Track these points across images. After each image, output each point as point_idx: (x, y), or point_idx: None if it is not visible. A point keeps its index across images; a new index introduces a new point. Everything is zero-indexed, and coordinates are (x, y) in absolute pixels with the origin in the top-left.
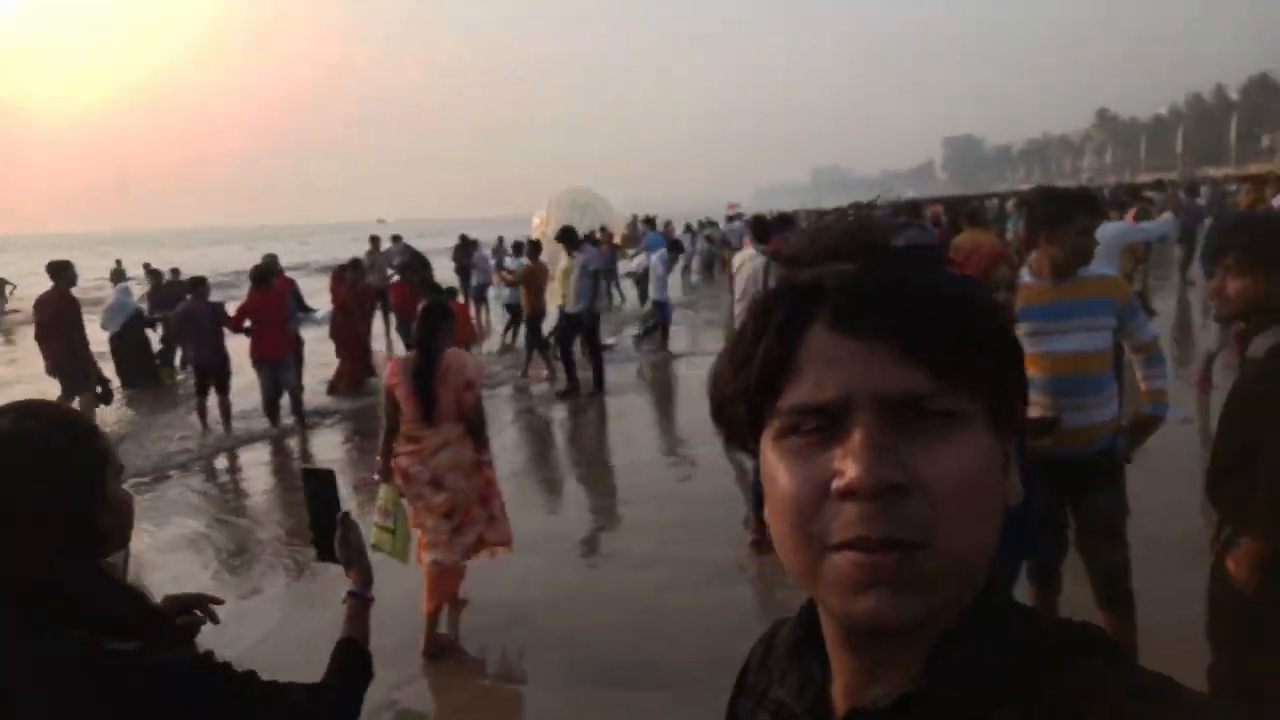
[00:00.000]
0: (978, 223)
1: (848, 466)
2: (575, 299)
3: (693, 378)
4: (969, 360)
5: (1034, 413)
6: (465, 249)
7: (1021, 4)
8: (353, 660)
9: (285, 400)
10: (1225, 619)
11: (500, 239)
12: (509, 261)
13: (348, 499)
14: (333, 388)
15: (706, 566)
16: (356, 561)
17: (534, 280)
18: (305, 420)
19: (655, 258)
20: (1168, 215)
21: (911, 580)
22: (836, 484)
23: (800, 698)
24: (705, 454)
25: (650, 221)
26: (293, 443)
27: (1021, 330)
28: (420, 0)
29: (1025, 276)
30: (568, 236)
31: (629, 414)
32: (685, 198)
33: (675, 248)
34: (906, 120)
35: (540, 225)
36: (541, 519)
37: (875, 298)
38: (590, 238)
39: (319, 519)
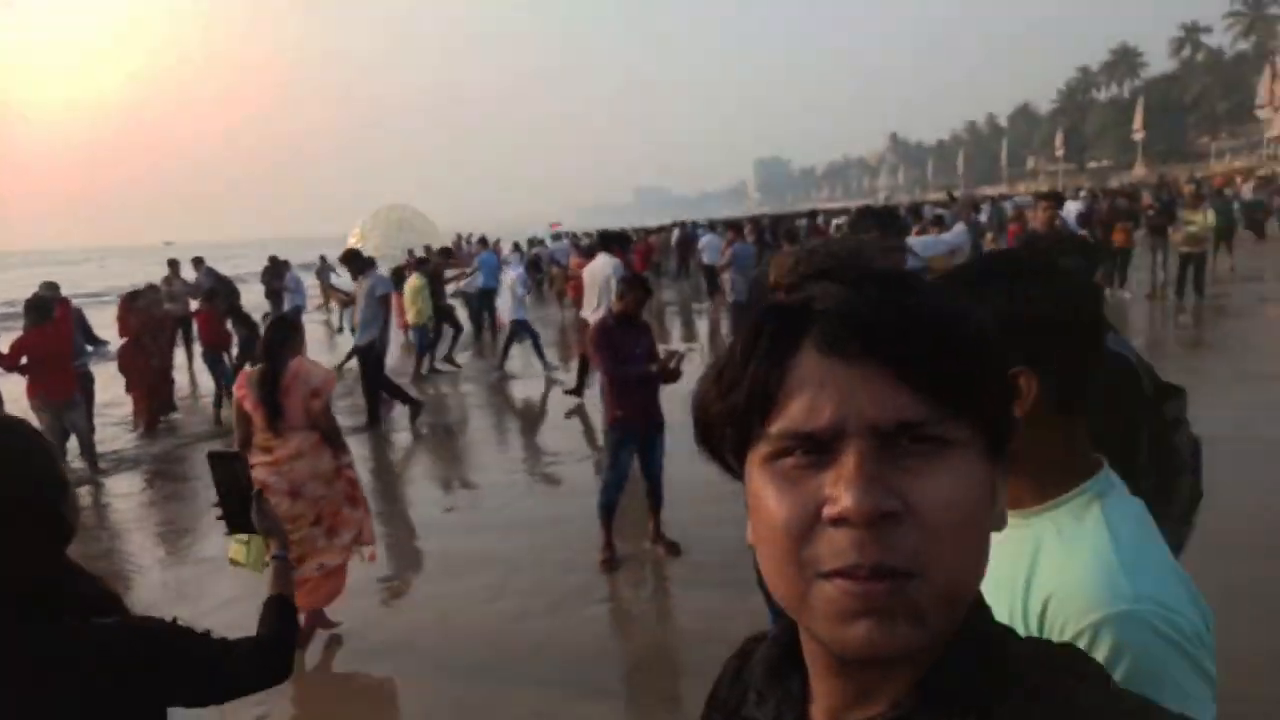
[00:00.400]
0: (794, 240)
1: (840, 493)
2: (361, 329)
3: (530, 398)
4: (962, 387)
5: None
6: (275, 271)
7: (820, 38)
8: (285, 612)
9: (73, 444)
10: None
11: (323, 258)
12: (335, 280)
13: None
14: (136, 425)
15: (557, 591)
16: (275, 529)
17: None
18: (99, 465)
19: (515, 276)
20: (960, 226)
21: (903, 609)
22: (828, 511)
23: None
24: (548, 475)
25: (484, 241)
26: (84, 491)
27: None
28: (219, 10)
29: None
30: (353, 259)
31: (474, 439)
32: (509, 217)
33: (535, 266)
34: (722, 143)
35: (356, 243)
36: (383, 557)
37: (867, 322)
38: (418, 260)
39: (228, 497)
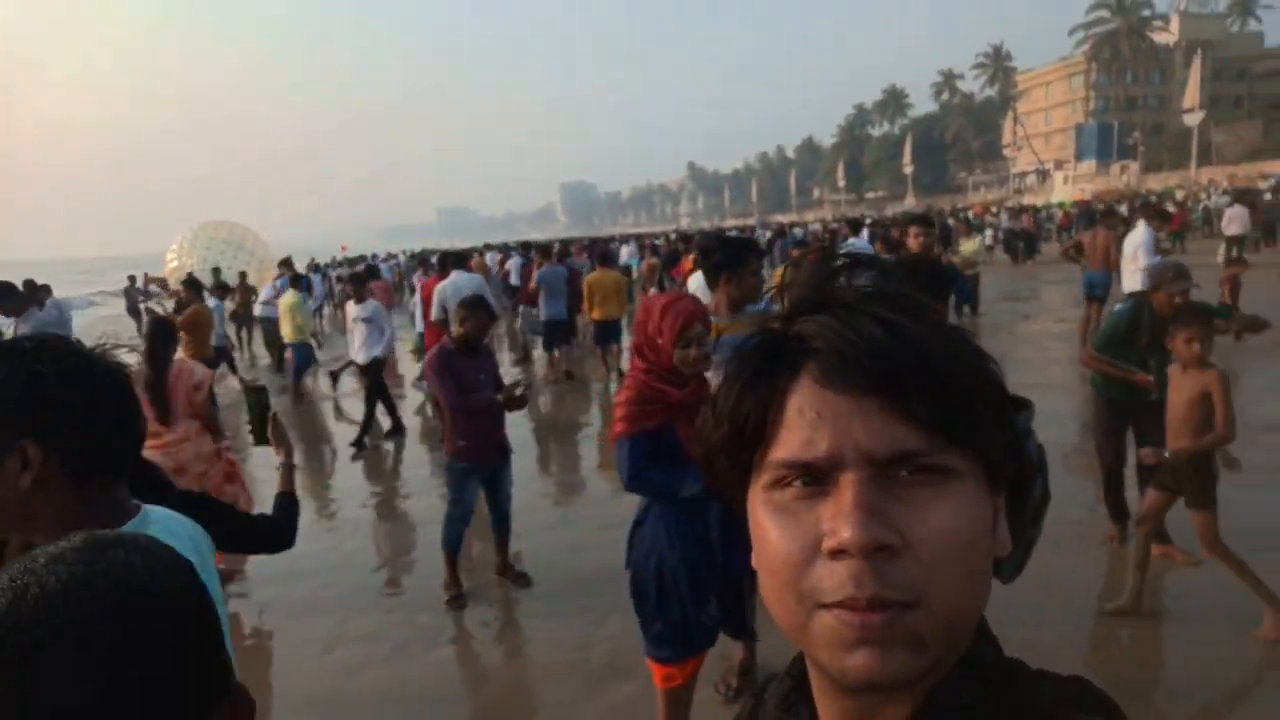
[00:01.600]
0: (608, 264)
1: (839, 526)
2: (370, 345)
3: (346, 426)
4: (959, 417)
5: None
6: (133, 290)
7: (624, 66)
8: (290, 504)
9: None
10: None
11: (131, 279)
12: (156, 305)
13: None
14: None
15: (400, 636)
16: (284, 441)
17: (198, 326)
18: None
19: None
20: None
21: (901, 638)
22: (827, 544)
23: None
24: (384, 509)
25: (287, 263)
26: None
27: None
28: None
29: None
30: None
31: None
32: (298, 238)
33: (361, 279)
34: (529, 166)
35: (173, 262)
36: None
37: (863, 355)
38: (222, 285)
39: (257, 419)
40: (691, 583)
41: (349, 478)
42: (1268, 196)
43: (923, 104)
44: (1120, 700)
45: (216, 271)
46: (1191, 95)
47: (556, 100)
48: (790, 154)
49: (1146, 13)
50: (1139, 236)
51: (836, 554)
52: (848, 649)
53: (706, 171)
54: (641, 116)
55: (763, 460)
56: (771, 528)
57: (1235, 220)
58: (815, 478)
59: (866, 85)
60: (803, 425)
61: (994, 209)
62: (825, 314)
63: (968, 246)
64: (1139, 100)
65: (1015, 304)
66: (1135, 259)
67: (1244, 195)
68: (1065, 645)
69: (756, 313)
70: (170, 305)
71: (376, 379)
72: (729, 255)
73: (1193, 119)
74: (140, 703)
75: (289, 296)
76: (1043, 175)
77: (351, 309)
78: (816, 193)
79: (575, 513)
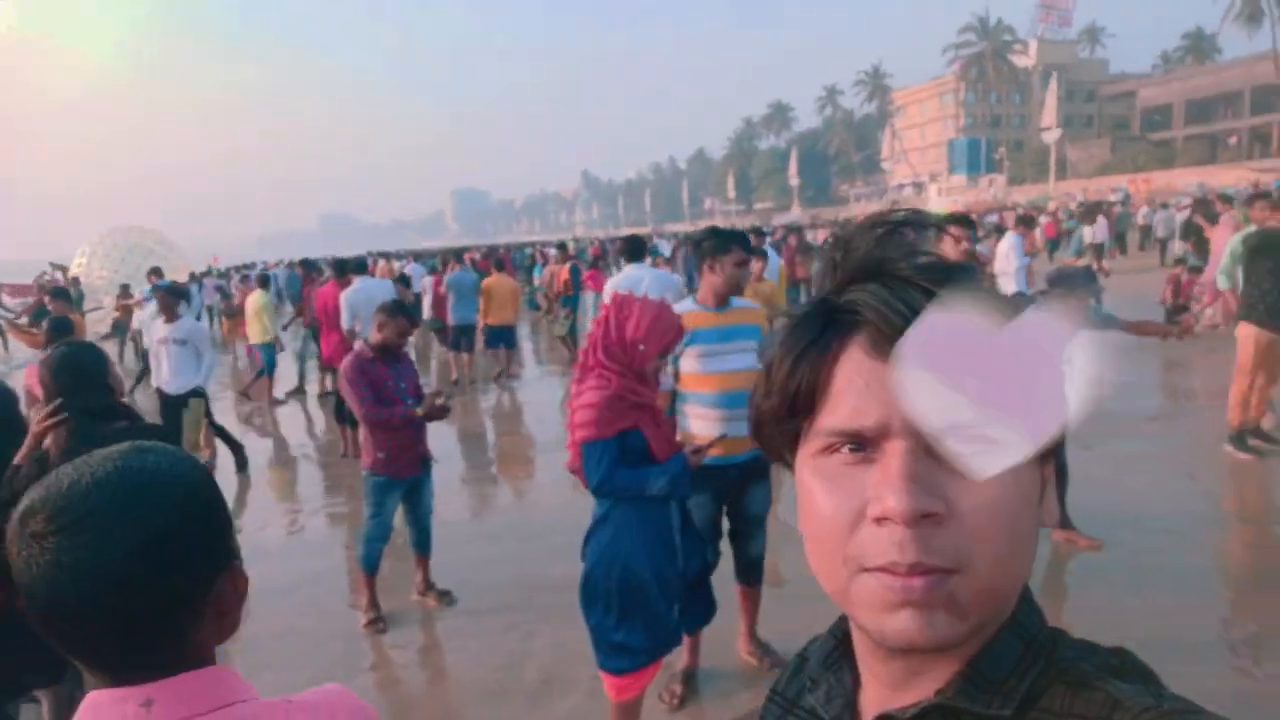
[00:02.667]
0: (504, 269)
1: (884, 494)
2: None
3: (288, 438)
4: None
5: (707, 426)
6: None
7: (517, 75)
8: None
9: None
10: None
11: None
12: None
13: None
14: None
15: (315, 665)
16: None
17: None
18: None
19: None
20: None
21: (942, 603)
22: (872, 510)
23: (829, 704)
24: (295, 527)
25: (157, 272)
26: None
27: (694, 353)
28: None
29: (691, 305)
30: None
31: None
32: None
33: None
34: (417, 172)
35: (79, 270)
36: None
37: (912, 319)
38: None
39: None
40: (661, 585)
41: (249, 499)
42: (1116, 209)
43: (807, 119)
44: None
45: (125, 288)
46: (1049, 115)
47: (448, 106)
48: (682, 165)
49: (1008, 37)
50: (1009, 242)
51: (881, 520)
52: (889, 610)
53: (601, 180)
54: (536, 125)
55: (811, 427)
56: (819, 493)
57: (1098, 230)
58: (862, 445)
59: (754, 99)
60: (851, 394)
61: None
62: (876, 283)
63: None
64: (1003, 118)
65: None
66: (1008, 260)
67: (1095, 208)
68: None
69: (742, 308)
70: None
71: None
72: (715, 243)
73: (1050, 136)
74: (169, 561)
75: (258, 297)
76: (918, 188)
77: (159, 328)
78: (708, 203)
79: (493, 525)
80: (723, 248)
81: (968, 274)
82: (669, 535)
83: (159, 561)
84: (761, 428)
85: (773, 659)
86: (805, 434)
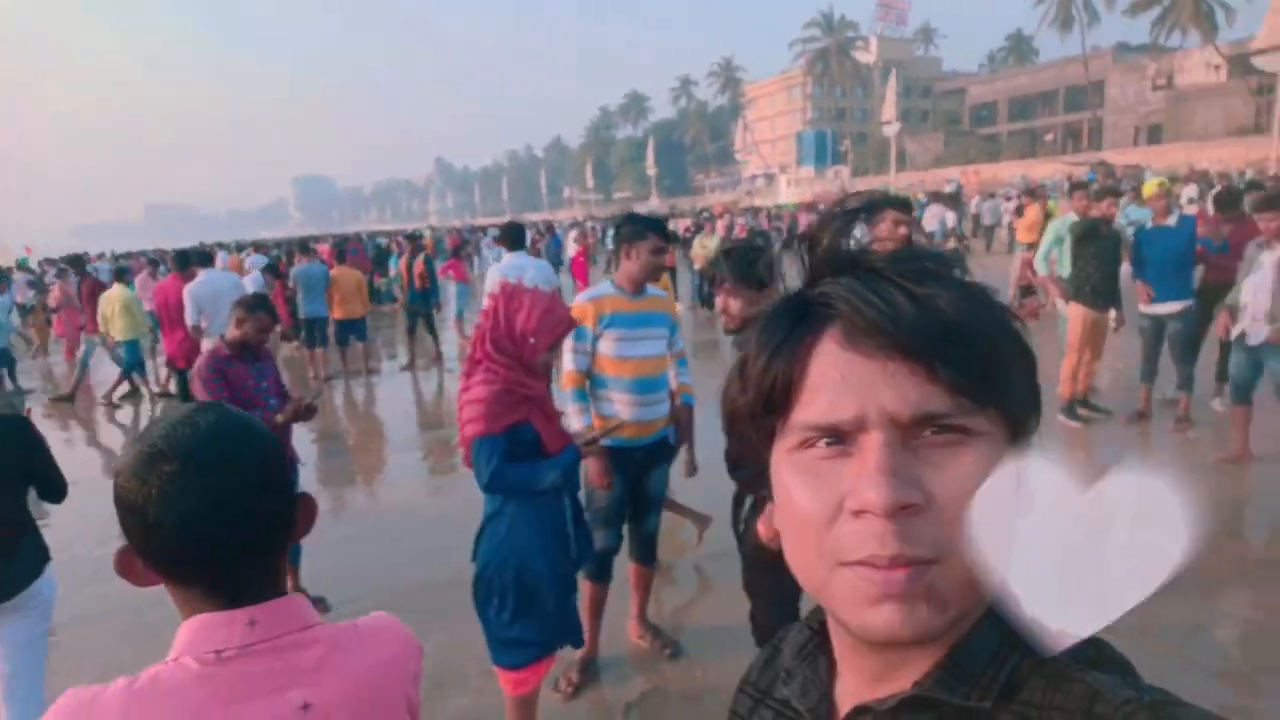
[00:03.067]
0: (344, 260)
1: (862, 487)
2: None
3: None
4: (984, 378)
5: (623, 410)
6: None
7: (365, 57)
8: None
9: None
10: (759, 573)
11: None
12: None
13: None
14: None
15: None
16: None
17: None
18: None
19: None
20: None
21: (924, 594)
22: (850, 504)
23: (805, 696)
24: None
25: None
26: None
27: (612, 336)
28: None
29: (610, 288)
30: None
31: None
32: None
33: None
34: (254, 157)
35: None
36: None
37: (887, 319)
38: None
39: None
40: (556, 578)
41: (73, 515)
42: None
43: (663, 109)
44: None
45: None
46: (888, 109)
47: (289, 89)
48: (539, 153)
49: (851, 33)
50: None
51: (860, 514)
52: (870, 605)
53: (455, 168)
54: (385, 109)
55: (787, 422)
56: (795, 487)
57: (933, 218)
58: (839, 438)
59: (610, 89)
60: (827, 388)
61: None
62: (848, 276)
63: (706, 243)
64: (847, 112)
65: None
66: None
67: (938, 196)
68: None
69: (654, 296)
70: None
71: None
72: (633, 230)
73: (890, 130)
74: (277, 489)
75: (119, 293)
76: (770, 179)
77: None
78: (567, 192)
79: (363, 528)
80: (640, 234)
81: (942, 262)
82: (563, 527)
83: (273, 490)
84: (736, 424)
85: (662, 641)
86: (780, 429)
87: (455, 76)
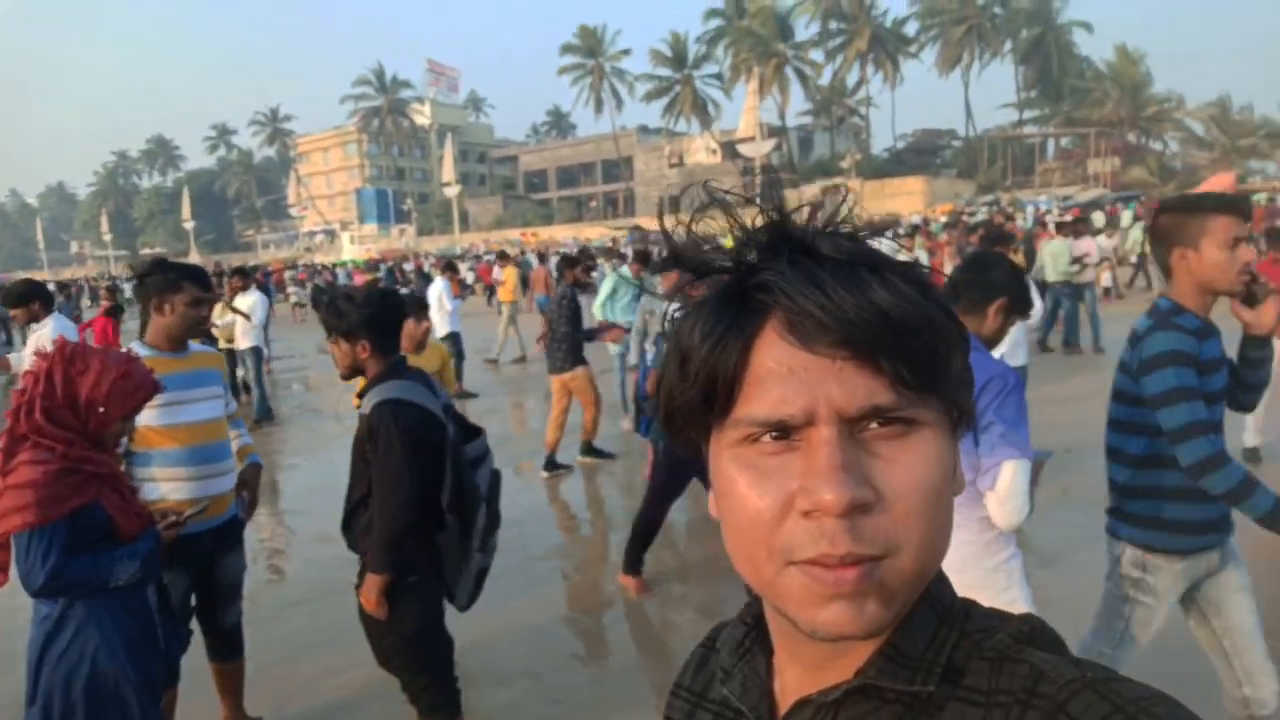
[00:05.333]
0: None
1: (816, 487)
2: None
3: None
4: (928, 368)
5: (179, 488)
6: None
7: None
8: None
9: None
10: (375, 639)
11: None
12: None
13: None
14: None
15: None
16: None
17: None
18: None
19: None
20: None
21: (873, 592)
22: (802, 504)
23: (745, 695)
24: None
25: None
26: None
27: (155, 403)
28: None
29: (142, 350)
30: None
31: None
32: None
33: None
34: None
35: None
36: None
37: (831, 312)
38: None
39: None
40: (145, 684)
41: None
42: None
43: (197, 158)
44: None
45: None
46: (447, 171)
47: None
48: (31, 200)
49: (407, 93)
50: (438, 286)
51: (810, 513)
52: (820, 604)
53: None
54: None
55: (730, 416)
56: (742, 484)
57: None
58: (785, 433)
59: (130, 132)
60: (773, 383)
61: (279, 266)
62: (783, 261)
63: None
64: (407, 171)
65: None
66: (440, 304)
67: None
68: None
69: (201, 352)
70: None
71: None
72: (164, 280)
73: (451, 191)
74: None
75: None
76: (331, 235)
77: None
78: (76, 246)
79: None
80: (174, 284)
81: (875, 252)
82: (149, 620)
83: None
84: (674, 420)
85: None
86: (721, 422)
87: None
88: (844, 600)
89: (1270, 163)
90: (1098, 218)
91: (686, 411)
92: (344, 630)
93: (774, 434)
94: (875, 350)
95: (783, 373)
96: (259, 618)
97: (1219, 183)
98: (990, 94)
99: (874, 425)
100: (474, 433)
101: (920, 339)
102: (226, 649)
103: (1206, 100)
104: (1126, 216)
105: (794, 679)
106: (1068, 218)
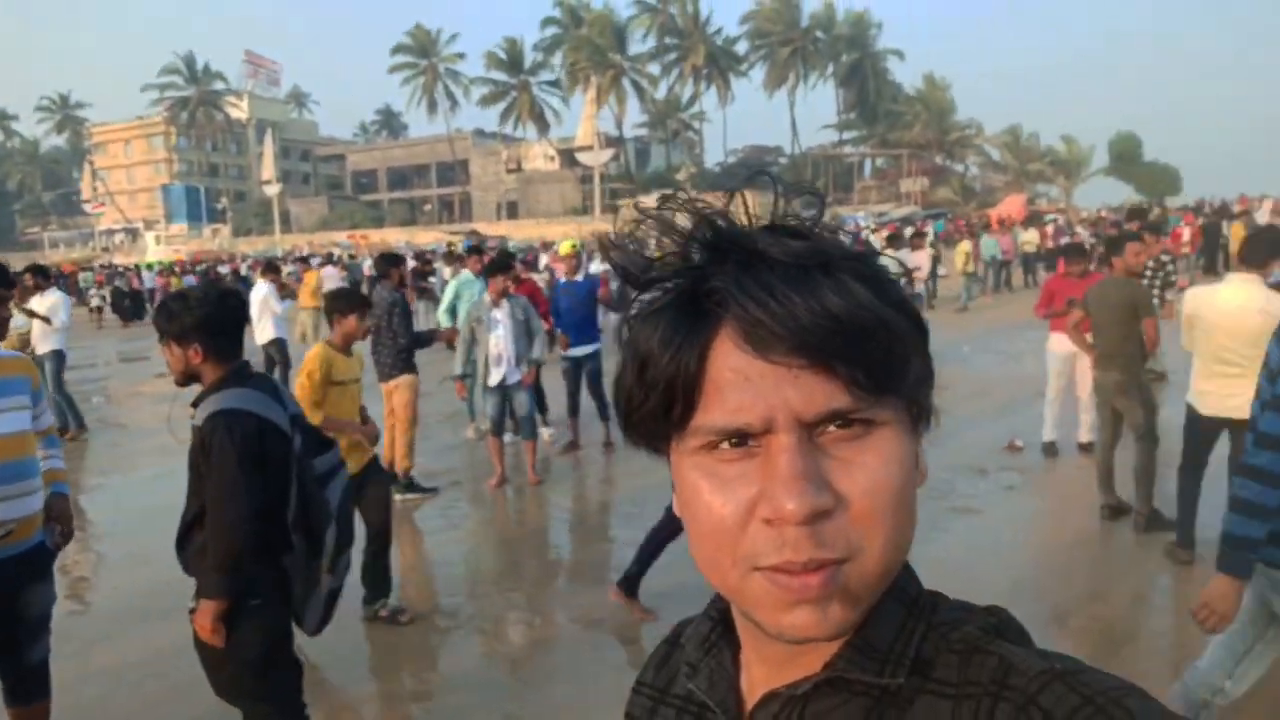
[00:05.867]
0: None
1: (776, 495)
2: None
3: None
4: (886, 368)
5: None
6: None
7: None
8: None
9: None
10: (212, 668)
11: None
12: None
13: None
14: None
15: None
16: None
17: None
18: None
19: None
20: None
21: (836, 594)
22: (763, 512)
23: (713, 689)
24: None
25: None
26: None
27: None
28: None
29: None
30: None
31: None
32: None
33: None
34: None
35: None
36: None
37: (784, 320)
38: None
39: None
40: None
41: None
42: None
43: None
44: None
45: None
46: (267, 169)
47: None
48: None
49: (221, 85)
50: (262, 289)
51: (772, 520)
52: (784, 609)
53: None
54: None
55: (690, 424)
56: (705, 491)
57: (330, 279)
58: (743, 440)
59: None
60: (731, 391)
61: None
62: (732, 265)
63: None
64: (221, 168)
65: (134, 364)
66: (267, 307)
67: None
68: None
69: (9, 358)
70: None
71: None
72: None
73: (271, 190)
74: None
75: None
76: (132, 234)
77: None
78: None
79: None
80: None
81: (829, 244)
82: None
83: None
84: (636, 427)
85: None
86: (680, 429)
87: None
88: (809, 605)
89: (1054, 186)
90: (908, 233)
91: (648, 418)
92: (170, 658)
93: (733, 441)
94: (830, 356)
95: (739, 381)
96: (63, 654)
97: (1012, 203)
98: (814, 114)
99: (833, 428)
100: (325, 445)
101: (875, 341)
102: (34, 688)
103: (1002, 128)
104: (931, 234)
105: (761, 673)
106: (885, 233)
